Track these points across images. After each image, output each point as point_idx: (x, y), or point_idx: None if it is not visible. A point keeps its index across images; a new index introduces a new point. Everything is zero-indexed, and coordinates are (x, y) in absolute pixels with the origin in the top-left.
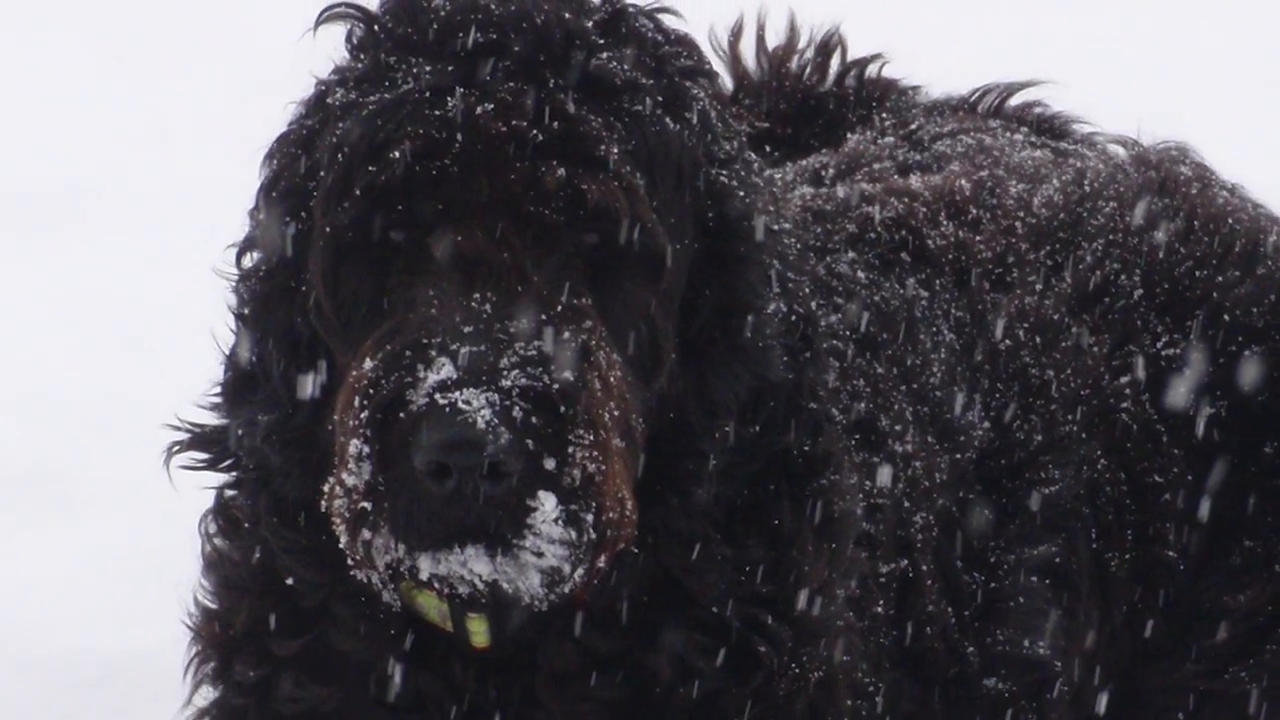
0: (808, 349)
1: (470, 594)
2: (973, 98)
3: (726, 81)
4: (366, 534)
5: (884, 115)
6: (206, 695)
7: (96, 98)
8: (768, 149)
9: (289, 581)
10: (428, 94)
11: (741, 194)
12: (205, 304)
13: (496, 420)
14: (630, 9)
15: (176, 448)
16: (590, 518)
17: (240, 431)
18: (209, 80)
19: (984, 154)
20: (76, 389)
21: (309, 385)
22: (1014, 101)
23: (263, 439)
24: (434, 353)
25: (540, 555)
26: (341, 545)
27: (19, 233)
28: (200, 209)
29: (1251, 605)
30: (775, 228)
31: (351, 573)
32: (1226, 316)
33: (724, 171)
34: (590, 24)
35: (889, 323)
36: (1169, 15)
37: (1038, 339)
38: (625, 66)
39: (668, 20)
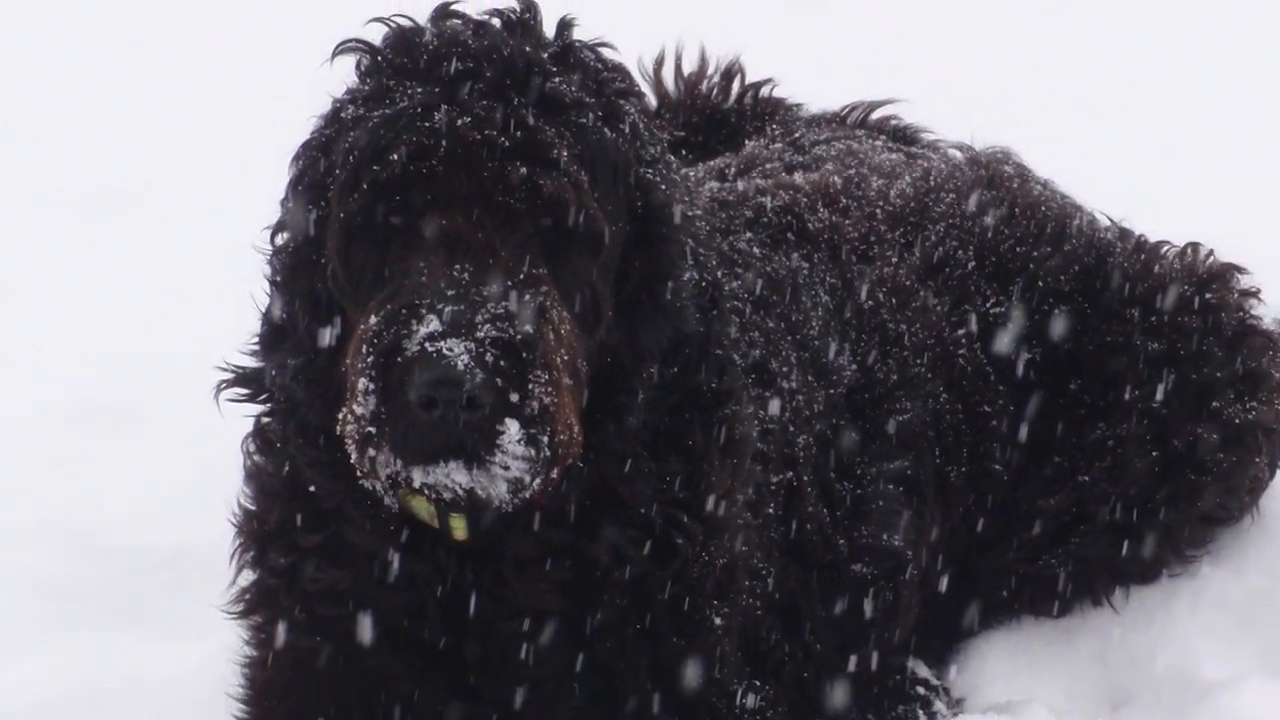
0: (715, 308)
1: (452, 498)
2: (843, 112)
3: (651, 100)
4: (371, 452)
5: (774, 127)
6: (247, 577)
7: (149, 109)
8: (683, 153)
9: (311, 489)
10: (419, 110)
11: (663, 187)
12: (240, 276)
13: (473, 363)
14: (577, 44)
15: (224, 385)
16: (546, 439)
17: (274, 372)
18: (242, 95)
19: (852, 156)
20: (140, 342)
21: (327, 336)
22: (875, 115)
23: (291, 378)
24: (424, 311)
25: (507, 468)
26: (352, 460)
27: (91, 220)
28: (235, 201)
29: (1059, 507)
30: (689, 213)
31: (360, 482)
32: (1040, 283)
33: (649, 170)
34: (546, 55)
35: (778, 288)
36: (996, 48)
37: (893, 300)
38: (573, 88)
39: (606, 52)
